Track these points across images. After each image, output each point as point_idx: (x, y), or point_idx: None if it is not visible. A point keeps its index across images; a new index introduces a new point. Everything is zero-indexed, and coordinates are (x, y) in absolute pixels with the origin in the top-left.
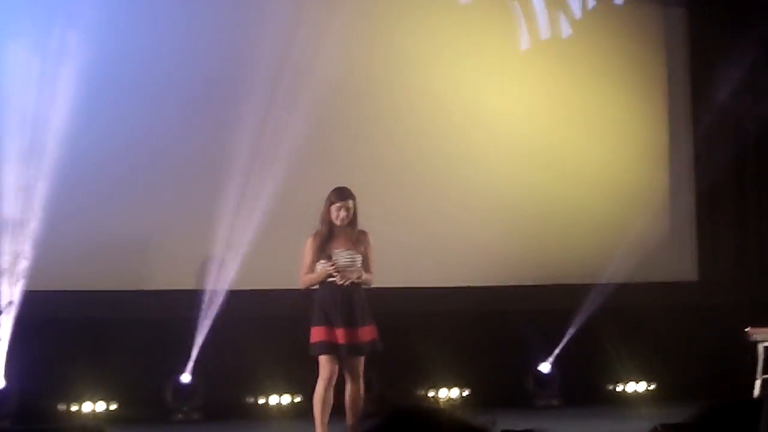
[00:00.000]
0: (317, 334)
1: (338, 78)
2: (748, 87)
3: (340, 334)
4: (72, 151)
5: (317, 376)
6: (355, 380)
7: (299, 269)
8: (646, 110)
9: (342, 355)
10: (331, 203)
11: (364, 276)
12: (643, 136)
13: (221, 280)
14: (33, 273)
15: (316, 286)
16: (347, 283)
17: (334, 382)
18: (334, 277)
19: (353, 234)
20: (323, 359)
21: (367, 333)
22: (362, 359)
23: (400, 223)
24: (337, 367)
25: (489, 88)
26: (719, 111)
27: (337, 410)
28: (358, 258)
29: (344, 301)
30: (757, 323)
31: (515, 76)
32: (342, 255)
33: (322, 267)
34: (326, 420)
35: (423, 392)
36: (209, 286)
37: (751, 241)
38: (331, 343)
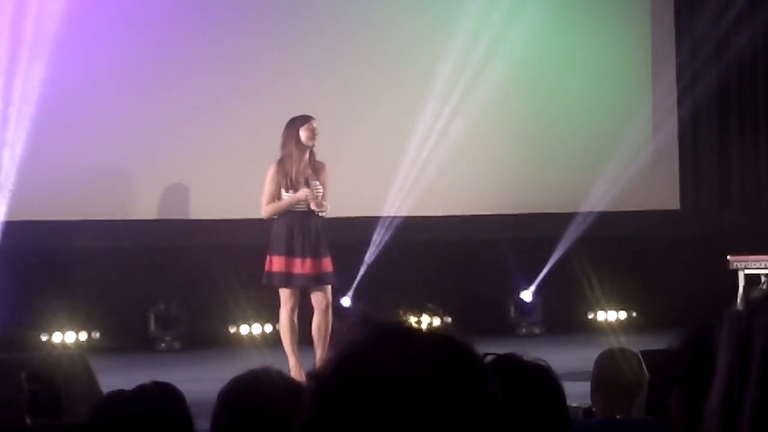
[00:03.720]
0: (277, 264)
1: (320, 8)
2: (731, 15)
3: (307, 264)
4: (54, 79)
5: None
6: (325, 311)
7: (261, 198)
8: (629, 39)
9: (307, 285)
10: (299, 126)
11: (327, 208)
12: (625, 64)
13: (204, 210)
14: (14, 203)
15: (276, 215)
16: (325, 212)
17: (296, 309)
18: (310, 202)
19: (313, 164)
20: (284, 290)
21: (329, 264)
22: (329, 289)
23: (382, 153)
24: (298, 295)
25: (467, 15)
26: (702, 40)
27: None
28: (321, 189)
29: (310, 231)
30: (738, 251)
31: (495, 3)
32: (310, 183)
33: (301, 192)
34: (296, 347)
35: (404, 319)
36: (192, 215)
37: (733, 169)
38: (291, 274)
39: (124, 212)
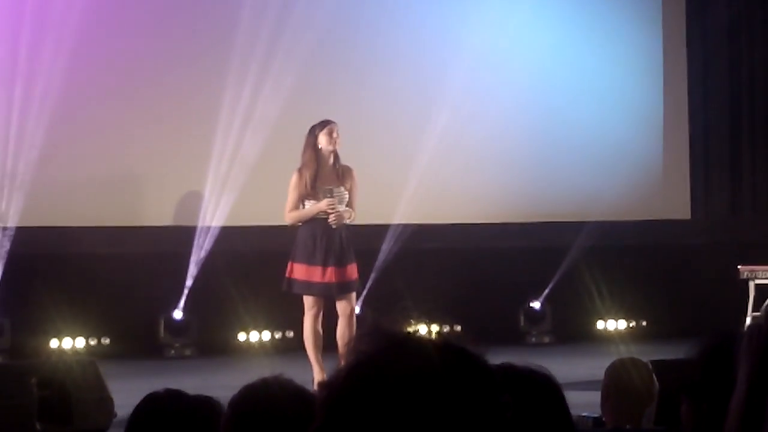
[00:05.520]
0: (298, 271)
1: (333, 13)
2: (743, 27)
3: (329, 273)
4: (64, 86)
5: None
6: (348, 318)
7: (285, 205)
8: (641, 49)
9: (331, 293)
10: (318, 131)
11: (353, 215)
12: (637, 74)
13: (214, 216)
14: (25, 210)
15: (300, 223)
16: (351, 220)
17: (320, 316)
18: (330, 213)
19: (338, 169)
20: (307, 297)
21: (354, 270)
22: (354, 296)
23: (392, 161)
24: (321, 302)
25: (480, 24)
26: (714, 50)
27: (330, 346)
28: (346, 195)
29: (334, 240)
30: (749, 261)
31: (508, 12)
32: (332, 192)
33: (323, 202)
34: (320, 355)
35: (414, 329)
36: (202, 222)
37: (744, 179)
38: (312, 282)
39: (135, 218)
